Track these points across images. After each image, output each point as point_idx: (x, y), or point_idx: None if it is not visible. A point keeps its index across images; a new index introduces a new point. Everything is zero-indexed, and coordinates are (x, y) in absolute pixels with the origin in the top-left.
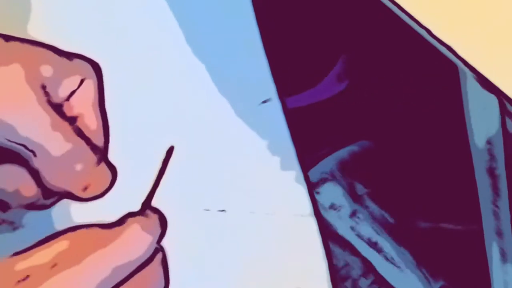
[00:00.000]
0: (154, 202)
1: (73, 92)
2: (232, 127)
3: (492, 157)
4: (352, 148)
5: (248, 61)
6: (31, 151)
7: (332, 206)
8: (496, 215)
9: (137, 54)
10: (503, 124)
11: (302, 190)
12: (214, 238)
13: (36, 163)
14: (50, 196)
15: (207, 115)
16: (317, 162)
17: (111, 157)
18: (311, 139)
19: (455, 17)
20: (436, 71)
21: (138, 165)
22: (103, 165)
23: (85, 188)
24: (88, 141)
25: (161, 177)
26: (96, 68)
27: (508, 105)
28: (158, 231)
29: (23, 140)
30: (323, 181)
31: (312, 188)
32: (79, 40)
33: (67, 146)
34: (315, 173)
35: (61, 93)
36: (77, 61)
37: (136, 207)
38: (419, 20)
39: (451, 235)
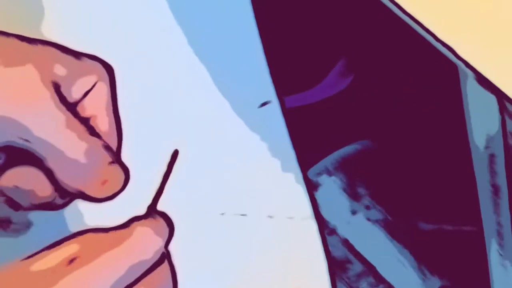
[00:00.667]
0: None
1: (87, 93)
2: (232, 129)
3: (492, 157)
4: (352, 147)
5: (248, 63)
6: (45, 151)
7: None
8: (496, 215)
9: (136, 56)
10: (503, 124)
11: (301, 191)
12: (214, 239)
13: (50, 162)
14: (64, 196)
15: (207, 117)
16: (317, 162)
17: None
18: (310, 139)
19: (455, 18)
20: (436, 71)
21: (140, 168)
22: (116, 165)
23: (99, 188)
24: (101, 141)
25: (166, 180)
26: (109, 69)
27: (508, 105)
28: (166, 234)
29: (37, 140)
30: (322, 180)
31: (311, 188)
32: (79, 42)
33: (81, 145)
34: (314, 173)
35: (75, 93)
36: (90, 62)
37: (141, 210)
38: (420, 21)
39: (451, 235)
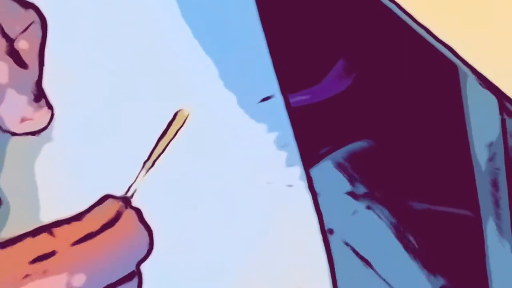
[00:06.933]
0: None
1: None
2: (234, 124)
3: (492, 157)
4: (353, 147)
5: (251, 58)
6: None
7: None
8: (496, 215)
9: (137, 50)
10: (503, 124)
11: (303, 188)
12: (215, 238)
13: None
14: None
15: (209, 112)
16: (319, 161)
17: (112, 153)
18: (313, 137)
19: (455, 17)
20: (436, 71)
21: (140, 161)
22: (40, 103)
23: (21, 122)
24: (29, 76)
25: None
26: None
27: (508, 105)
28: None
29: None
30: (324, 179)
31: (313, 186)
32: (79, 40)
33: (7, 73)
34: (316, 172)
35: (11, 28)
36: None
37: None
38: (419, 20)
39: (453, 235)
